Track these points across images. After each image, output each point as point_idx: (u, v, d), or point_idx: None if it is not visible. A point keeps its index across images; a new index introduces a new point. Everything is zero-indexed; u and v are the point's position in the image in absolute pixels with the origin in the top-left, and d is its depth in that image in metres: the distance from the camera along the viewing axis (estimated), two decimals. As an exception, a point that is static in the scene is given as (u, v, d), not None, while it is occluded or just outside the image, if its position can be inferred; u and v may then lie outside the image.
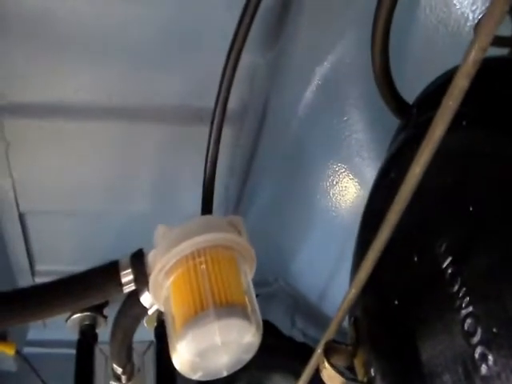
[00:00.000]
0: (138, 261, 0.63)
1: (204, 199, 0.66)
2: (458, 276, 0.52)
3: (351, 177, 0.90)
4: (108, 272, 0.63)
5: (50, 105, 0.71)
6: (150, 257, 0.62)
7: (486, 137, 0.55)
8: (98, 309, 0.83)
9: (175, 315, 0.59)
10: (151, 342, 0.82)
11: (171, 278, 0.60)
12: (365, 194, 0.66)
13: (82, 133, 0.74)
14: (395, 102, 0.69)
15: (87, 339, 0.81)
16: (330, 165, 0.90)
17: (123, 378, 0.73)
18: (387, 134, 0.67)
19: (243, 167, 0.90)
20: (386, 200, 0.57)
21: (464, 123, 0.55)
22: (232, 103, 0.72)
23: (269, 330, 1.14)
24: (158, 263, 0.60)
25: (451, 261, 0.54)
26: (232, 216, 0.64)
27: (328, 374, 0.63)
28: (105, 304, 0.84)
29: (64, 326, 0.87)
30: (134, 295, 0.66)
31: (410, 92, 0.65)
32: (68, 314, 0.84)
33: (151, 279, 0.61)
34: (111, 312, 0.81)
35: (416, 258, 0.62)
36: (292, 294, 1.16)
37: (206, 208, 0.66)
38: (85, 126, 0.74)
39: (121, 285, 0.63)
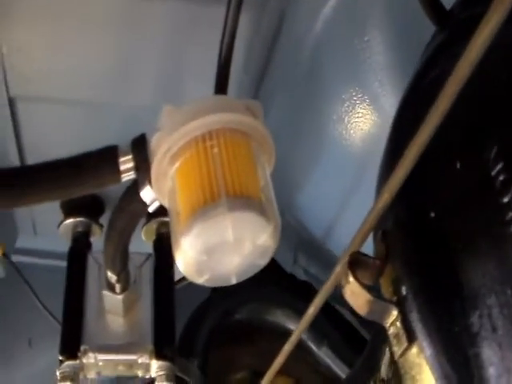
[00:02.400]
0: (140, 146, 0.55)
1: (218, 78, 0.56)
2: (511, 184, 0.45)
3: (368, 103, 0.84)
4: (105, 156, 0.55)
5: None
6: (154, 140, 0.54)
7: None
8: (93, 215, 0.75)
9: (180, 207, 0.50)
10: (149, 254, 0.74)
11: (177, 164, 0.51)
12: (382, 122, 0.61)
13: (84, 3, 0.64)
14: (434, 6, 0.61)
15: (80, 246, 0.73)
16: (346, 88, 0.84)
17: (117, 286, 0.66)
18: (410, 60, 0.61)
19: (258, 67, 0.82)
20: (424, 104, 0.50)
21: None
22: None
23: (271, 265, 1.11)
24: (163, 145, 0.51)
25: (503, 167, 0.47)
26: (249, 100, 0.55)
27: (352, 289, 0.55)
28: (100, 211, 0.76)
29: (56, 234, 0.79)
30: (133, 188, 0.58)
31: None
32: (59, 218, 0.77)
33: (154, 165, 0.52)
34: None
35: (459, 165, 0.53)
36: (296, 229, 1.10)
37: (220, 88, 0.56)
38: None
39: (119, 172, 0.54)
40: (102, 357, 0.66)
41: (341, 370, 1.12)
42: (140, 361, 0.67)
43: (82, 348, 0.65)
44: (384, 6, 0.75)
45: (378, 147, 0.65)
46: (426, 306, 0.50)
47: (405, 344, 0.54)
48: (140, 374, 0.70)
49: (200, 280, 0.51)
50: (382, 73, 0.80)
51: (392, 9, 0.75)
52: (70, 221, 0.75)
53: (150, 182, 0.55)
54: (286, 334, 1.10)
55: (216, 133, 0.51)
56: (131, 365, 0.68)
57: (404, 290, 0.52)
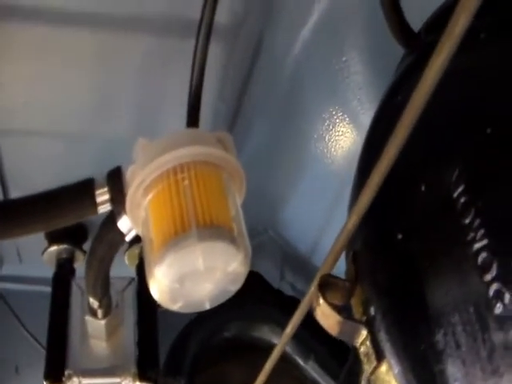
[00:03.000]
0: (115, 178, 0.57)
1: (190, 110, 0.58)
2: (472, 206, 0.47)
3: (348, 121, 0.86)
4: (82, 190, 0.57)
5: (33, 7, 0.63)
6: (128, 173, 0.56)
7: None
8: (77, 242, 0.77)
9: (153, 238, 0.52)
10: (132, 278, 0.76)
11: (150, 195, 0.53)
12: (361, 140, 0.62)
13: (63, 40, 0.67)
14: (402, 30, 0.64)
15: (64, 272, 0.75)
16: (326, 107, 0.86)
17: (99, 312, 0.67)
18: (387, 78, 0.62)
19: (235, 94, 0.84)
20: (391, 124, 0.52)
21: (482, 36, 0.50)
22: (223, 17, 0.68)
23: (257, 282, 1.12)
24: (136, 178, 0.53)
25: (464, 189, 0.49)
26: (220, 132, 0.57)
27: (322, 311, 0.57)
28: (84, 238, 0.78)
29: (40, 261, 0.81)
30: (111, 219, 0.60)
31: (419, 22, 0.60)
32: (43, 245, 0.79)
33: (128, 197, 0.54)
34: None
35: (423, 188, 0.56)
36: (282, 246, 1.12)
37: (192, 121, 0.59)
38: (67, 33, 0.66)
39: (95, 204, 0.56)
40: (86, 381, 0.67)
41: (327, 382, 1.13)
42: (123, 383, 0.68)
43: (67, 373, 0.66)
44: (361, 27, 0.77)
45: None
46: (393, 326, 0.52)
47: (374, 362, 0.55)
48: (125, 396, 0.71)
49: (174, 307, 0.53)
50: (361, 92, 0.82)
51: (369, 30, 0.77)
52: (53, 248, 0.77)
53: (125, 213, 0.57)
54: (272, 348, 1.12)
55: (187, 165, 0.53)
56: (115, 388, 0.70)
57: (372, 311, 0.54)
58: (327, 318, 0.56)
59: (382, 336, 0.52)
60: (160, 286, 0.51)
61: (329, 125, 0.87)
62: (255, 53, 0.81)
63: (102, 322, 0.69)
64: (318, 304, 0.57)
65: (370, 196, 0.53)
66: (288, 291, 1.13)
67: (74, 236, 0.77)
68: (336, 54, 0.79)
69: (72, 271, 0.76)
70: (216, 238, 0.50)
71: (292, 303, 1.14)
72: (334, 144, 0.90)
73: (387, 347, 0.52)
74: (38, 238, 0.79)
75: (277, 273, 1.14)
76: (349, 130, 0.87)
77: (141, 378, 0.68)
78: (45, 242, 0.79)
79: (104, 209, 0.57)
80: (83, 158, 0.77)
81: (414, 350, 0.50)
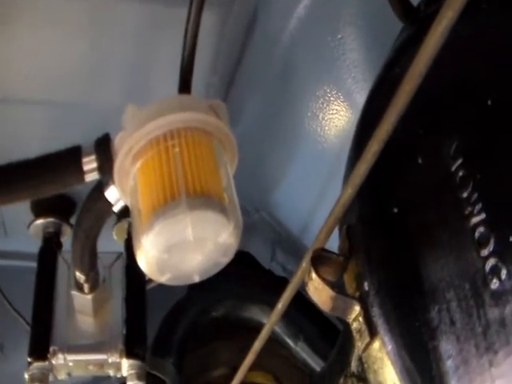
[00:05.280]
0: (103, 146, 0.55)
1: (182, 77, 0.56)
2: (470, 179, 0.46)
3: (342, 100, 0.84)
4: (68, 157, 0.55)
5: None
6: (117, 140, 0.54)
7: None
8: (64, 215, 0.75)
9: (141, 207, 0.50)
10: (120, 253, 0.74)
11: (139, 163, 0.52)
12: (355, 118, 0.62)
13: (53, 8, 0.65)
14: (402, 3, 0.62)
15: (50, 247, 0.73)
16: (320, 85, 0.85)
17: (85, 286, 0.65)
18: (383, 56, 0.61)
19: (228, 67, 0.82)
20: (389, 95, 0.51)
21: (483, 6, 0.49)
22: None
23: (247, 262, 1.11)
24: (125, 145, 0.52)
25: (462, 163, 0.48)
26: (214, 100, 0.55)
27: (315, 286, 0.56)
28: (71, 211, 0.76)
29: (26, 235, 0.79)
30: (98, 188, 0.58)
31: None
32: (29, 218, 0.77)
33: (116, 164, 0.52)
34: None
35: (420, 160, 0.54)
36: (273, 226, 1.11)
37: (184, 88, 0.57)
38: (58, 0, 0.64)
39: (82, 172, 0.54)
40: (71, 357, 0.66)
41: (317, 365, 1.12)
42: (110, 360, 0.67)
43: (51, 349, 0.65)
44: (357, 3, 0.76)
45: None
46: (387, 301, 0.51)
47: (367, 339, 0.54)
48: (111, 373, 0.70)
49: (162, 279, 0.51)
50: (356, 69, 0.80)
51: (365, 6, 0.76)
52: (40, 221, 0.75)
53: (113, 182, 0.55)
54: (261, 328, 1.11)
55: (177, 132, 0.51)
56: (102, 364, 0.68)
57: (366, 286, 0.52)
58: (320, 292, 0.55)
59: (376, 311, 0.50)
60: (148, 257, 0.49)
61: (323, 103, 0.86)
62: (249, 27, 0.79)
63: (89, 297, 0.67)
64: (311, 278, 0.55)
65: (367, 168, 0.51)
66: (279, 272, 1.12)
67: (61, 209, 0.75)
68: (331, 31, 0.78)
69: (59, 245, 0.74)
70: (206, 207, 0.48)
71: (283, 284, 1.13)
72: (327, 122, 0.89)
73: (380, 323, 0.50)
74: (23, 211, 0.77)
75: (268, 253, 1.13)
76: (343, 109, 0.85)
77: (128, 355, 0.67)
78: (31, 215, 0.77)
79: (91, 177, 0.55)
80: (74, 126, 0.75)
81: (407, 326, 0.49)
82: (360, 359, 0.64)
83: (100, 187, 0.58)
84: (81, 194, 0.76)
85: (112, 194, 0.57)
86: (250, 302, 1.14)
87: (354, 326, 0.56)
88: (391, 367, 0.50)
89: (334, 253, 0.59)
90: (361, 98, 0.81)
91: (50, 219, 0.74)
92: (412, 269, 0.50)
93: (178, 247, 0.49)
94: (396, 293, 0.51)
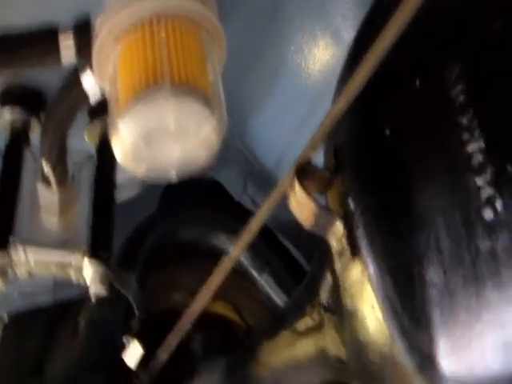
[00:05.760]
0: (83, 28, 0.51)
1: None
2: (471, 106, 0.45)
3: (329, 36, 0.82)
4: (45, 34, 0.51)
5: None
6: (98, 21, 0.50)
7: None
8: (34, 109, 0.71)
9: (121, 91, 0.47)
10: (91, 155, 0.71)
11: (120, 46, 0.48)
12: (342, 55, 0.59)
13: None
14: None
15: (18, 141, 0.69)
16: (308, 19, 0.82)
17: (53, 180, 0.62)
18: None
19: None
20: (387, 14, 0.48)
21: None
22: None
23: (218, 191, 1.10)
24: (106, 26, 0.48)
25: (464, 88, 0.46)
26: None
27: (298, 200, 0.54)
28: (41, 105, 0.72)
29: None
30: (74, 75, 0.55)
31: None
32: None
33: (96, 46, 0.49)
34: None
35: (418, 83, 0.52)
36: (247, 158, 1.08)
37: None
38: None
39: (58, 52, 0.50)
40: (32, 253, 0.63)
41: (280, 300, 1.12)
42: (73, 261, 0.65)
43: (11, 239, 0.62)
44: None
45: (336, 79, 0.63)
46: (373, 222, 0.49)
47: (348, 259, 0.52)
48: (73, 276, 0.68)
49: (137, 169, 0.49)
50: (346, 6, 0.78)
51: None
52: (7, 112, 0.70)
53: (91, 67, 0.52)
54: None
55: (164, 17, 0.48)
56: (64, 265, 0.66)
57: (352, 205, 0.51)
58: (302, 207, 0.53)
59: (360, 232, 0.49)
60: (124, 144, 0.46)
61: (309, 37, 0.84)
62: None
63: (55, 193, 0.64)
64: (294, 192, 0.53)
65: (361, 82, 0.49)
66: (248, 204, 1.11)
67: (30, 101, 0.70)
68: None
69: (26, 140, 0.70)
70: (190, 96, 0.45)
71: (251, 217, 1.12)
72: (312, 57, 0.86)
73: (364, 244, 0.49)
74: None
75: (239, 185, 1.11)
76: (329, 45, 0.83)
77: (91, 255, 0.65)
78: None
79: (68, 60, 0.52)
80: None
81: (392, 249, 0.47)
82: (331, 290, 0.63)
83: (76, 75, 0.55)
84: (51, 86, 0.71)
85: (89, 80, 0.53)
86: (218, 230, 1.12)
87: (335, 246, 0.54)
88: (371, 291, 0.48)
89: (320, 168, 0.57)
90: (348, 36, 0.78)
91: (19, 112, 0.70)
92: (401, 192, 0.49)
93: (157, 136, 0.46)
94: (383, 215, 0.49)
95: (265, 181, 1.08)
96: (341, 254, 0.54)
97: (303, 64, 0.87)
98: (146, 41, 0.47)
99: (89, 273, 0.65)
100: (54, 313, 0.99)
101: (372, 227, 0.49)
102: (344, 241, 0.52)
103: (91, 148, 0.73)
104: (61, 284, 0.91)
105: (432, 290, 0.44)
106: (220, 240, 1.13)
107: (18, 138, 0.70)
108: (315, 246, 1.10)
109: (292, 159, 0.96)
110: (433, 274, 0.45)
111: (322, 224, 0.53)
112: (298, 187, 0.53)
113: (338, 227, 0.53)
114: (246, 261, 1.12)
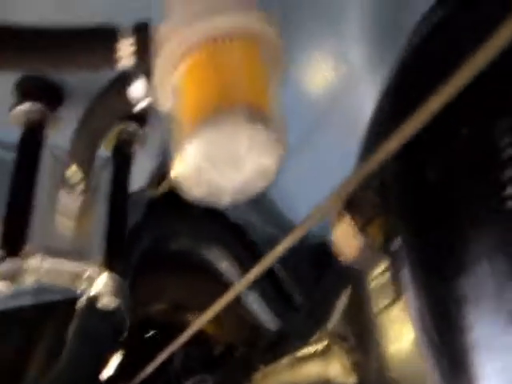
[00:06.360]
0: (143, 31, 0.48)
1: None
2: None
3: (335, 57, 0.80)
4: (104, 33, 0.48)
5: None
6: (162, 29, 0.47)
7: None
8: (51, 104, 0.66)
9: (188, 109, 0.44)
10: (108, 158, 0.66)
11: (190, 60, 0.45)
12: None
13: None
14: None
15: (34, 136, 0.64)
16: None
17: (78, 188, 0.58)
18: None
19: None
20: (433, 67, 0.48)
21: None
22: None
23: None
24: (176, 37, 0.45)
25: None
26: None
27: (345, 233, 0.53)
28: (59, 100, 0.67)
29: (6, 121, 0.68)
30: (120, 82, 0.51)
31: None
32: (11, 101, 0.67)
33: (161, 57, 0.45)
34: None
35: (467, 131, 0.52)
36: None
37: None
38: None
39: (115, 52, 0.47)
40: (46, 260, 0.59)
41: (266, 316, 1.09)
42: (88, 271, 0.61)
43: (27, 245, 0.57)
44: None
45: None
46: (419, 264, 0.49)
47: (390, 298, 0.53)
48: (82, 285, 0.64)
49: (197, 192, 0.46)
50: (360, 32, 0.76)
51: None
52: (24, 106, 0.65)
53: (146, 73, 0.48)
54: (215, 273, 1.07)
55: (240, 34, 0.45)
56: (77, 275, 0.62)
57: (397, 244, 0.51)
58: (349, 241, 0.52)
59: (406, 273, 0.49)
60: (187, 164, 0.43)
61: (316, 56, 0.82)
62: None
63: (78, 199, 0.60)
64: (342, 221, 0.52)
65: (415, 127, 0.48)
66: (236, 219, 1.09)
67: (47, 96, 0.65)
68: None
69: (43, 137, 0.65)
70: (264, 124, 0.43)
71: (240, 229, 1.10)
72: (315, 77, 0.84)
73: (409, 284, 0.49)
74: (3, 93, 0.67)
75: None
76: (334, 66, 0.82)
77: (108, 268, 0.61)
78: (12, 99, 0.68)
79: (124, 61, 0.48)
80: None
81: (436, 291, 0.47)
82: (344, 317, 0.62)
83: (122, 81, 0.51)
84: (69, 82, 0.67)
85: (139, 88, 0.50)
86: (207, 242, 1.10)
87: (375, 282, 0.54)
88: (410, 329, 0.49)
89: (367, 199, 0.56)
90: (354, 60, 0.78)
91: (36, 104, 0.65)
92: (446, 236, 0.48)
93: (222, 160, 0.44)
94: (429, 257, 0.49)
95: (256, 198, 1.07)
96: (381, 290, 0.54)
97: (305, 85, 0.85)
98: (220, 59, 0.44)
99: (102, 284, 0.62)
100: (34, 315, 0.94)
101: (418, 268, 0.49)
102: (387, 278, 0.52)
103: (105, 153, 0.68)
104: (42, 287, 0.87)
105: (472, 335, 0.44)
106: (211, 252, 1.10)
107: (34, 133, 0.66)
108: (305, 269, 1.09)
109: (281, 180, 0.94)
110: (473, 318, 0.44)
111: (365, 259, 0.53)
112: (348, 220, 0.52)
113: (381, 264, 0.52)
114: (235, 276, 1.10)
